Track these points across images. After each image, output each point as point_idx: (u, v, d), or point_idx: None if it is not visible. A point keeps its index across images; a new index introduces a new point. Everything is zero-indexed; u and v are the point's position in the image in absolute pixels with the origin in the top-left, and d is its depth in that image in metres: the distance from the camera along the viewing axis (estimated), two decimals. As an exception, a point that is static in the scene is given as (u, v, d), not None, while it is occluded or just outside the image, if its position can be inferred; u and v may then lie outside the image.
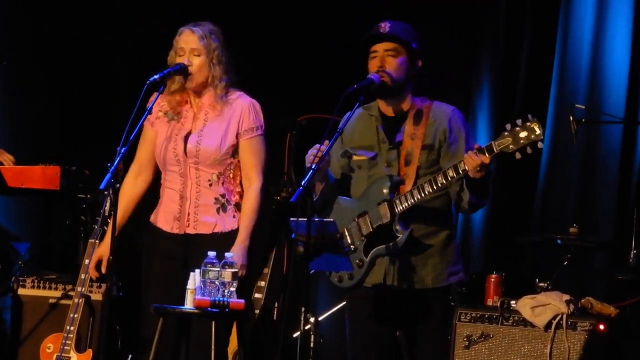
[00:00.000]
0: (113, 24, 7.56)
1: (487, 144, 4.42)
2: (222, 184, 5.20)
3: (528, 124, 4.36)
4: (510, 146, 4.37)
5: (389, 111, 4.82)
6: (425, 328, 4.75)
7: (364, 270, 4.69)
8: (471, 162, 4.43)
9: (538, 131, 4.34)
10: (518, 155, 4.37)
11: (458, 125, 4.76)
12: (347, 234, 4.73)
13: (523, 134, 4.35)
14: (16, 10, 7.50)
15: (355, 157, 4.84)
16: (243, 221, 5.19)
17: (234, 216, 5.21)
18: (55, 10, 7.53)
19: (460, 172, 4.49)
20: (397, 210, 4.62)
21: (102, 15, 7.54)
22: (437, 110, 4.78)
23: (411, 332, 4.76)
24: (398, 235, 4.63)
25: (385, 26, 4.76)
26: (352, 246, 4.71)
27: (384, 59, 4.72)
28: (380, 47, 4.74)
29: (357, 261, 4.70)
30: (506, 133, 4.39)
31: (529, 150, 4.34)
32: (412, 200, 4.59)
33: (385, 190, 4.67)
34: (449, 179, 4.53)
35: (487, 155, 4.41)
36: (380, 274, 4.73)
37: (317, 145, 4.59)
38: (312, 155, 4.58)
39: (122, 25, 7.57)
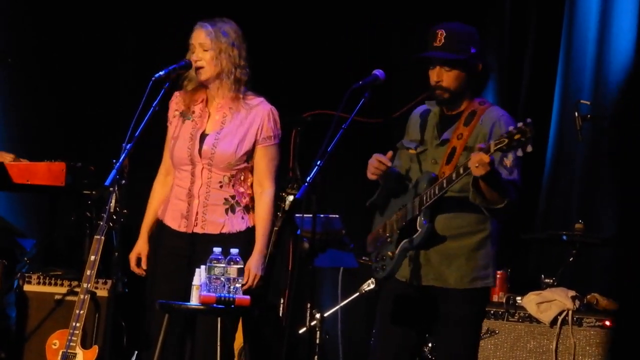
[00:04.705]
0: (118, 19, 7.56)
1: (486, 144, 4.46)
2: (233, 185, 5.19)
3: (523, 127, 4.39)
4: (504, 147, 4.42)
5: (447, 109, 4.83)
6: (446, 331, 4.73)
7: (394, 263, 4.71)
8: (473, 158, 4.45)
9: (529, 134, 4.37)
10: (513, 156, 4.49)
11: (501, 131, 4.68)
12: (387, 225, 4.77)
13: (517, 137, 4.39)
14: (20, 8, 7.50)
15: (410, 151, 4.85)
16: (260, 229, 5.19)
17: (242, 218, 5.20)
18: (60, 6, 7.53)
19: (468, 168, 4.49)
20: (423, 205, 4.64)
21: (107, 11, 7.54)
22: (489, 114, 4.76)
23: (433, 335, 4.75)
24: (418, 229, 4.65)
25: (441, 37, 4.71)
26: (389, 238, 4.74)
27: (441, 74, 4.71)
28: (436, 60, 4.74)
29: (389, 253, 4.73)
30: (505, 134, 4.43)
31: (519, 152, 4.39)
32: (432, 195, 4.62)
33: (424, 186, 4.70)
34: (460, 173, 4.55)
35: (485, 154, 4.44)
36: (408, 270, 4.75)
37: (379, 156, 4.62)
38: (373, 166, 4.64)
39: (127, 20, 7.57)
